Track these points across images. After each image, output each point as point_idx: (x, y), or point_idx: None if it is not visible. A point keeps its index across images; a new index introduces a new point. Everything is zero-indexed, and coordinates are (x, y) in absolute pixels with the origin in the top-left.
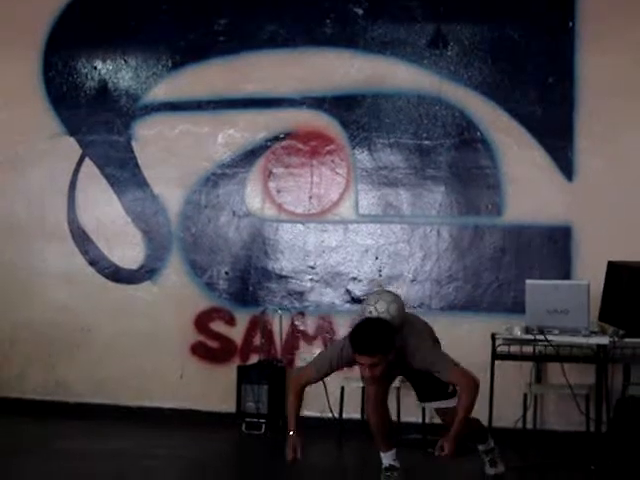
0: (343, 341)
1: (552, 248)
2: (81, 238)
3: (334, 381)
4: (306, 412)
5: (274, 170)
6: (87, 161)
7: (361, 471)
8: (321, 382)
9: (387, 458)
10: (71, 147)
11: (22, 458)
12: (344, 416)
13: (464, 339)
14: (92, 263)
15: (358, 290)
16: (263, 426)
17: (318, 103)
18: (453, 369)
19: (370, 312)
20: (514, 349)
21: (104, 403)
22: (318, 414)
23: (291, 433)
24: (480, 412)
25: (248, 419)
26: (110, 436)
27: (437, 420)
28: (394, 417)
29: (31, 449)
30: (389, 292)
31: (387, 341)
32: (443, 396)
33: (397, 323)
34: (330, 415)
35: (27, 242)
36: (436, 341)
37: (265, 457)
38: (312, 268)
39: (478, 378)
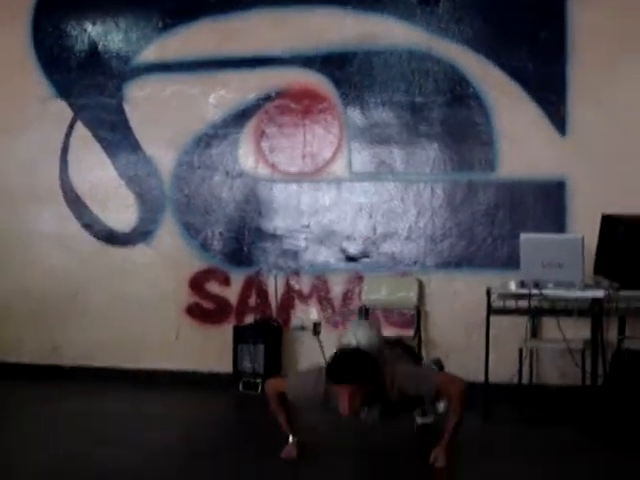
0: (318, 372)
1: (546, 202)
2: (74, 202)
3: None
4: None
5: (266, 130)
6: (79, 124)
7: (352, 428)
8: (317, 342)
9: None
10: (62, 111)
11: (20, 420)
12: None
13: (459, 295)
14: (85, 226)
15: (352, 248)
16: (260, 386)
17: (310, 62)
18: (440, 380)
19: (349, 341)
20: (509, 304)
21: (100, 366)
22: None
23: (291, 439)
24: (476, 367)
25: (245, 379)
26: (106, 399)
27: None
28: None
29: (29, 411)
30: (366, 321)
31: (365, 370)
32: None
33: (375, 351)
34: None
35: (20, 207)
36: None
37: (262, 416)
38: (306, 227)
39: (464, 381)
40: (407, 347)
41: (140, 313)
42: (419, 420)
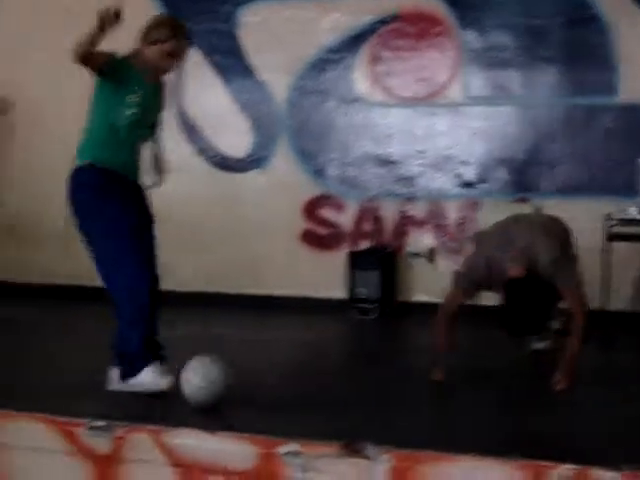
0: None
1: None
2: (188, 127)
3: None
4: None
5: (381, 54)
6: (193, 50)
7: (484, 350)
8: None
9: None
10: None
11: None
12: None
13: (576, 222)
14: (199, 152)
15: (468, 174)
16: (375, 311)
17: None
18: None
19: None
20: (628, 230)
21: (215, 292)
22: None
23: (439, 361)
24: (594, 295)
25: (360, 304)
26: (222, 323)
27: None
28: None
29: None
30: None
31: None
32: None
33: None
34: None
35: None
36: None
37: (377, 341)
38: (421, 153)
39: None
40: None
41: (254, 239)
42: (535, 345)
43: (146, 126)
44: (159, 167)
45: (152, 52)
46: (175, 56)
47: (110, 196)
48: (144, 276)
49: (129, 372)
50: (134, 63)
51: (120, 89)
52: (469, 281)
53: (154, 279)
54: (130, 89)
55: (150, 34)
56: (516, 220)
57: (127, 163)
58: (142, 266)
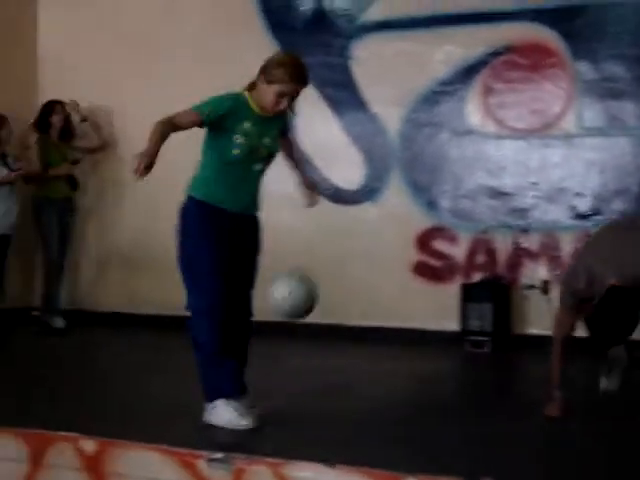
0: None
1: None
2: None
3: None
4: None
5: (494, 86)
6: None
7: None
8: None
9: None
10: None
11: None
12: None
13: None
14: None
15: (583, 206)
16: (488, 344)
17: (538, 15)
18: None
19: None
20: None
21: (327, 323)
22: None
23: (556, 394)
24: None
25: (473, 337)
26: (334, 354)
27: None
28: None
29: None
30: None
31: None
32: None
33: None
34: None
35: None
36: None
37: (491, 375)
38: (535, 184)
39: None
40: None
41: (366, 271)
42: (604, 383)
43: (263, 160)
44: (306, 190)
45: (266, 90)
46: (288, 98)
47: (205, 230)
48: (221, 303)
49: (207, 397)
50: (248, 98)
51: (229, 129)
52: (570, 294)
53: (243, 309)
54: (240, 127)
55: (269, 71)
56: (621, 229)
57: (238, 197)
58: (221, 294)
